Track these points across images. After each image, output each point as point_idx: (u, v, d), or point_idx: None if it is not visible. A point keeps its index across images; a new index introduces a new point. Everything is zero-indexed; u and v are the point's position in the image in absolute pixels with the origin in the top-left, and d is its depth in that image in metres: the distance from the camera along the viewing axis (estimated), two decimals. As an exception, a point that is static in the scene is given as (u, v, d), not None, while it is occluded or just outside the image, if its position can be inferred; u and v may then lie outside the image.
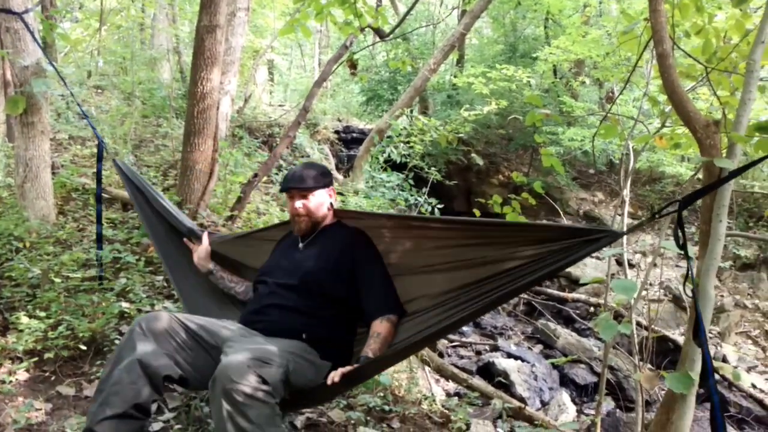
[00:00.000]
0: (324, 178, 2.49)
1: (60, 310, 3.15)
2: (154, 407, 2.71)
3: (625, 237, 3.61)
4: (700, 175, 2.85)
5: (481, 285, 2.13)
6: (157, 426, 2.60)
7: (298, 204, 2.42)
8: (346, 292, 2.36)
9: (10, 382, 2.75)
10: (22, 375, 2.82)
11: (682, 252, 1.63)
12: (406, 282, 2.40)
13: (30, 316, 3.05)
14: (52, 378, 2.85)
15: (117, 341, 3.08)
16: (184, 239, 2.86)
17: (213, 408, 1.80)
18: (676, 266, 9.56)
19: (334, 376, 1.99)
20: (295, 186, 2.43)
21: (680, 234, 1.63)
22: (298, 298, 2.31)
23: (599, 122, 3.12)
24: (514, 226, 2.13)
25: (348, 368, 2.03)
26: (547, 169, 11.74)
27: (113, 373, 1.95)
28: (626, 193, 3.56)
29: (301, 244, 2.50)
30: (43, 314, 3.06)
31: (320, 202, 2.47)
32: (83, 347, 2.95)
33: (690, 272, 1.65)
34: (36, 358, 2.87)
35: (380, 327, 2.25)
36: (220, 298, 2.85)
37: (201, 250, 2.79)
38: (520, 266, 1.98)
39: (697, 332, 1.64)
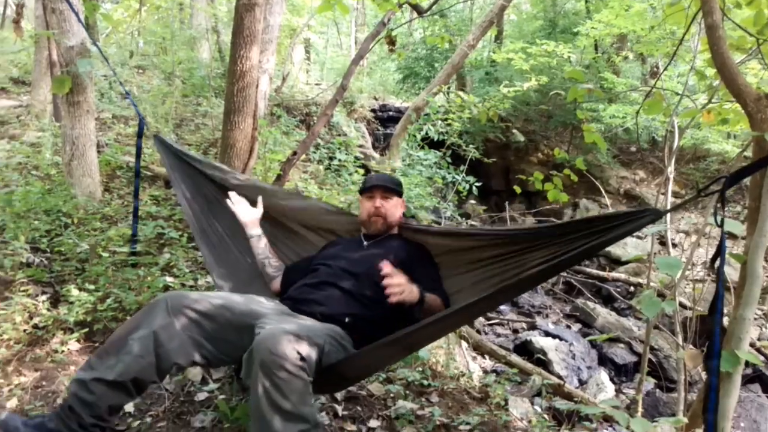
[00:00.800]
0: (401, 189, 2.71)
1: (108, 283, 3.25)
2: (198, 378, 2.79)
3: (668, 215, 3.55)
4: (748, 152, 2.77)
5: (520, 260, 2.15)
6: (202, 396, 2.68)
7: (379, 203, 2.59)
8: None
9: (63, 351, 2.86)
10: (73, 345, 2.92)
11: (720, 228, 1.60)
12: (450, 281, 2.49)
13: (80, 289, 3.15)
14: (102, 349, 2.95)
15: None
16: (232, 195, 2.83)
17: (249, 381, 1.79)
18: (721, 246, 9.30)
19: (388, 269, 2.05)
20: (380, 185, 2.63)
21: (720, 211, 1.60)
22: (358, 286, 2.36)
23: (643, 98, 3.05)
24: (558, 225, 2.14)
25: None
26: (587, 147, 11.54)
27: (127, 338, 1.95)
28: (671, 170, 3.48)
29: (365, 243, 2.60)
30: (92, 287, 3.17)
31: (396, 207, 2.65)
32: (131, 319, 3.04)
33: (723, 249, 1.62)
34: (86, 329, 2.98)
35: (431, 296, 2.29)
36: (251, 279, 2.85)
37: (255, 212, 2.82)
38: (561, 242, 1.99)
39: (714, 309, 1.62)
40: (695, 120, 3.05)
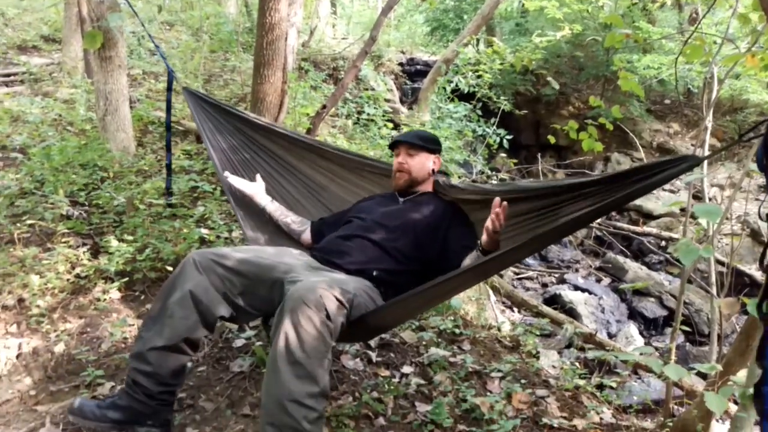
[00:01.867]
0: (432, 145, 2.62)
1: (145, 234, 3.32)
2: (236, 325, 2.87)
3: (705, 166, 3.47)
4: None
5: (557, 212, 2.13)
6: (239, 342, 2.76)
7: (402, 159, 2.56)
8: (435, 254, 2.39)
9: (105, 300, 2.96)
10: (114, 294, 3.02)
11: (765, 175, 1.55)
12: None
13: (119, 240, 3.23)
14: (142, 297, 3.05)
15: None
16: (227, 174, 2.83)
17: (275, 328, 1.79)
18: (756, 200, 9.14)
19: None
20: (404, 141, 2.58)
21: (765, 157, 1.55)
22: (390, 239, 2.36)
23: (683, 44, 2.95)
24: (598, 179, 2.05)
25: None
26: (620, 100, 11.27)
27: (166, 304, 2.00)
28: (709, 119, 3.39)
29: (401, 199, 2.58)
30: (130, 238, 3.25)
31: (422, 164, 2.58)
32: (169, 268, 3.12)
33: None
34: (126, 279, 3.07)
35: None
36: (280, 230, 2.86)
37: (257, 185, 2.81)
38: (600, 193, 1.96)
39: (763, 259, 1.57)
40: (737, 65, 2.96)
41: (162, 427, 2.03)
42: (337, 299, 1.84)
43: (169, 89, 3.54)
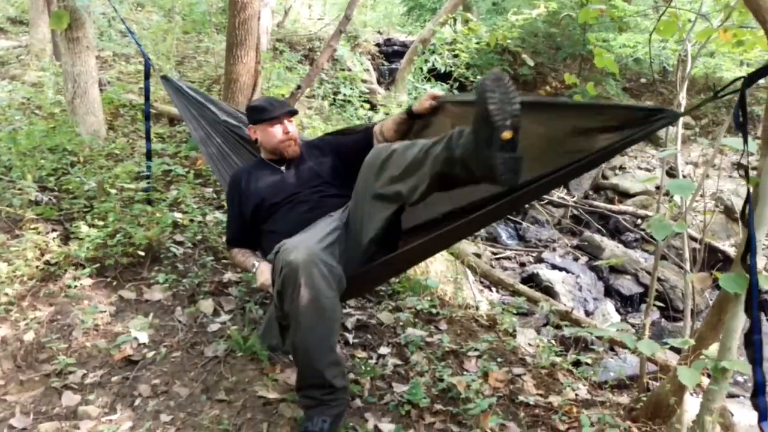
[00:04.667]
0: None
1: (117, 220, 3.25)
2: (210, 310, 2.84)
3: (679, 144, 3.49)
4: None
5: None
6: (214, 327, 2.73)
7: (290, 128, 2.55)
8: (353, 174, 2.35)
9: (75, 286, 2.90)
10: (86, 281, 2.96)
11: (741, 133, 1.55)
12: None
13: (89, 226, 3.16)
14: (114, 283, 2.99)
15: (173, 249, 3.20)
16: None
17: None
18: (729, 177, 9.26)
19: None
20: (287, 111, 2.56)
21: (741, 115, 1.55)
22: (329, 189, 2.45)
23: (657, 20, 2.95)
24: (562, 106, 1.97)
25: None
26: (596, 79, 11.31)
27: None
28: (682, 96, 3.40)
29: (282, 167, 2.57)
30: (101, 223, 3.18)
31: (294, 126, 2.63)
32: (141, 253, 3.07)
33: (747, 167, 1.58)
34: (98, 265, 3.01)
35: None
36: None
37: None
38: (568, 147, 1.86)
39: (747, 253, 1.57)
40: (710, 41, 2.96)
41: None
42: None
43: (146, 77, 3.49)
